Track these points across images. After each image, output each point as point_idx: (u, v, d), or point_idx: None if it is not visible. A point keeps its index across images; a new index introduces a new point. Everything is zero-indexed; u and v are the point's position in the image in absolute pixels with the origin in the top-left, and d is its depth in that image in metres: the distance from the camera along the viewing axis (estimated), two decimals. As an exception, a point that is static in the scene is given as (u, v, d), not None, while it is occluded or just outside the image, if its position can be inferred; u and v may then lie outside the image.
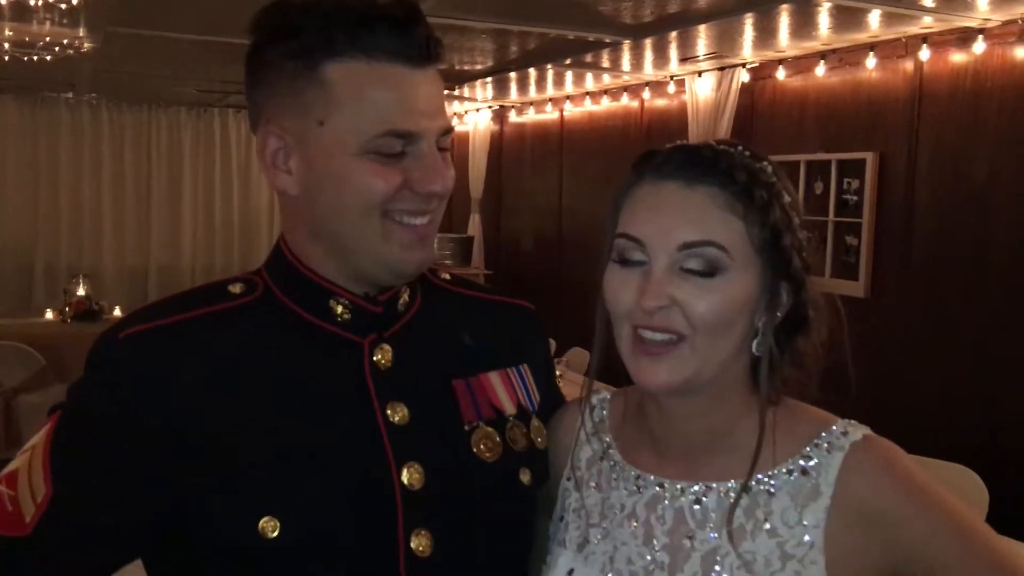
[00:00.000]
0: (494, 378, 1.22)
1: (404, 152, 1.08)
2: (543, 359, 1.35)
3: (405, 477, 1.08)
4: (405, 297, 1.19)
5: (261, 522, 1.01)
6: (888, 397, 4.61)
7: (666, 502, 1.12)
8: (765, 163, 1.09)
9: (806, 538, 1.05)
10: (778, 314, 1.09)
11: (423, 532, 1.07)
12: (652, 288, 1.04)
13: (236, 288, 1.15)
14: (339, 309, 1.14)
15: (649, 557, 1.11)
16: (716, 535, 1.08)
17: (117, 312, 6.99)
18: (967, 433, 4.32)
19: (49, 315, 6.87)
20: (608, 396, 1.27)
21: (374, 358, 1.13)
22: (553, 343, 5.62)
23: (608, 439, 1.21)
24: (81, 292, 6.81)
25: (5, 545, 1.01)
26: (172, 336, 1.09)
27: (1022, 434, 4.14)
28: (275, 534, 1.01)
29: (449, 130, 1.13)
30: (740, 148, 1.09)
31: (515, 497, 1.18)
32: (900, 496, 1.05)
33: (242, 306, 1.14)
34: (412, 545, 1.07)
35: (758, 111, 5.74)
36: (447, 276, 1.32)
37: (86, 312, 6.66)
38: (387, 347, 1.14)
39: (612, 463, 1.19)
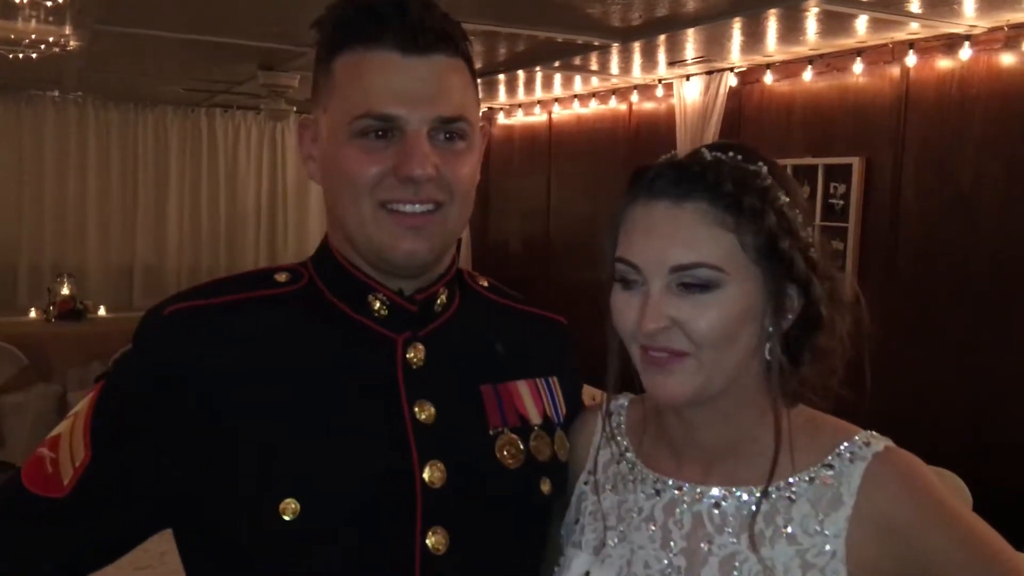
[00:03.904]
0: (522, 387, 1.23)
1: (391, 137, 1.10)
2: (572, 374, 1.35)
3: (427, 474, 1.09)
4: (443, 298, 1.22)
5: (282, 503, 1.04)
6: (872, 401, 4.63)
7: (684, 506, 1.11)
8: (760, 165, 1.07)
9: (827, 547, 1.04)
10: (789, 316, 1.08)
11: (440, 530, 1.09)
12: (650, 311, 1.04)
13: (282, 277, 1.20)
14: (377, 305, 1.17)
15: (666, 561, 1.10)
16: (735, 540, 1.07)
17: (102, 311, 6.96)
18: (951, 437, 4.33)
19: (33, 314, 6.84)
20: (625, 402, 1.26)
21: (407, 355, 1.16)
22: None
23: (625, 443, 1.21)
24: (65, 291, 6.78)
25: (43, 505, 1.09)
26: (213, 316, 1.13)
27: (1006, 438, 4.16)
28: (294, 516, 1.03)
29: (453, 119, 1.12)
30: (732, 153, 1.07)
31: (533, 505, 1.19)
32: (920, 510, 1.03)
33: (285, 294, 1.18)
34: (428, 542, 1.08)
35: (745, 115, 5.75)
36: (485, 283, 1.35)
37: (70, 311, 6.63)
38: (420, 346, 1.17)
39: (630, 466, 1.18)
